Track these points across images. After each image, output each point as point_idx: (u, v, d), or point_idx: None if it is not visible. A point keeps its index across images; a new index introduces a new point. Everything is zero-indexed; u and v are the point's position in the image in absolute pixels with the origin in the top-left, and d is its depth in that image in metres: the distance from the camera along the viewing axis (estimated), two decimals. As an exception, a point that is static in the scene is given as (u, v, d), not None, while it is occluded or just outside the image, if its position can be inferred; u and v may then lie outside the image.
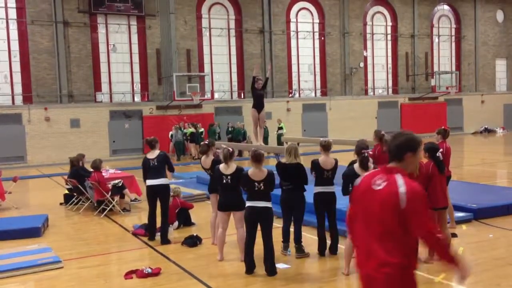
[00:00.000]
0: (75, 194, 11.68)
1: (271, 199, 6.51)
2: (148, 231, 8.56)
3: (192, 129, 23.09)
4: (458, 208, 8.98)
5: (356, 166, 6.31)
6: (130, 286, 6.30)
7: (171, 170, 8.72)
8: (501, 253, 7.12)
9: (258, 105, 11.15)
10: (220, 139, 22.59)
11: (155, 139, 8.60)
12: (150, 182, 8.29)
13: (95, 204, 10.99)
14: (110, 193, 10.75)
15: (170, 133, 22.85)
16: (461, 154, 21.49)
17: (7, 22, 22.98)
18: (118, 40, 25.03)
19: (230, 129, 23.81)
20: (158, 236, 8.39)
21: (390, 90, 32.00)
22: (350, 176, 6.31)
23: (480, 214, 8.97)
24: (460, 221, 8.68)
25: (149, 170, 8.32)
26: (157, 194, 8.28)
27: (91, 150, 21.24)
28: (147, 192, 8.41)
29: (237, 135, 23.48)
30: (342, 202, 7.22)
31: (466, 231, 8.29)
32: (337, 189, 7.00)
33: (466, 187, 11.68)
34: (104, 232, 9.40)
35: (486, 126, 33.50)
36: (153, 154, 8.35)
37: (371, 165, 6.29)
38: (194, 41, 26.21)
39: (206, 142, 8.13)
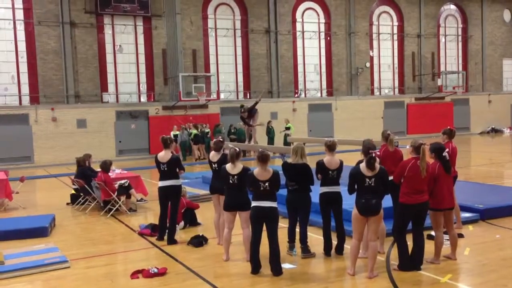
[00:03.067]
0: (81, 194, 11.72)
1: (276, 199, 6.50)
2: (158, 231, 8.53)
3: (195, 131, 23.07)
4: (464, 208, 8.95)
5: (362, 165, 6.28)
6: (136, 286, 6.32)
7: (181, 169, 8.54)
8: (508, 254, 7.08)
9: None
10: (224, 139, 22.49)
11: (170, 138, 8.49)
12: (161, 183, 8.27)
13: (102, 204, 11.03)
14: (116, 193, 10.79)
15: (175, 133, 22.78)
16: (468, 154, 21.40)
17: (14, 23, 23.11)
18: (124, 41, 25.12)
19: (232, 130, 23.78)
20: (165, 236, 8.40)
21: (397, 90, 31.90)
22: (355, 175, 6.30)
23: (487, 215, 8.92)
24: (466, 222, 8.65)
25: (160, 172, 8.30)
26: (168, 195, 8.26)
27: (97, 150, 21.23)
28: (158, 193, 8.38)
29: (241, 136, 23.43)
30: (348, 202, 7.20)
31: (473, 232, 8.25)
32: (343, 189, 6.99)
33: (473, 187, 11.63)
34: (110, 232, 9.43)
35: (493, 126, 33.32)
36: (164, 157, 8.18)
37: (377, 165, 6.27)
38: (200, 41, 26.25)
39: (220, 139, 8.11)
